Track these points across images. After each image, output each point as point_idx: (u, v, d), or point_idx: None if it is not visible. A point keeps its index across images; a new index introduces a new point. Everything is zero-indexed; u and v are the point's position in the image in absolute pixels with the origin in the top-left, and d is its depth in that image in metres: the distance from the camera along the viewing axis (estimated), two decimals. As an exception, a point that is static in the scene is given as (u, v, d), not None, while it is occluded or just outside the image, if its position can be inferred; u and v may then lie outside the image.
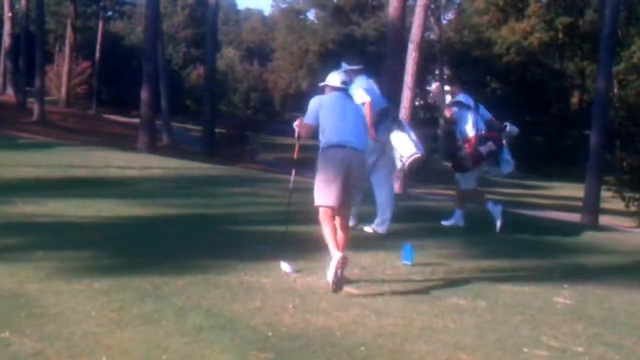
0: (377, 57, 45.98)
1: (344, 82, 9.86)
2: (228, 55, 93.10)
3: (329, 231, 8.94)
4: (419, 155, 12.25)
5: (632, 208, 30.16)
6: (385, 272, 9.74)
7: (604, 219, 27.54)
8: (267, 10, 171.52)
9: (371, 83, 12.73)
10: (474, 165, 14.12)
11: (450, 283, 9.88)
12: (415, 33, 21.94)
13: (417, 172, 13.05)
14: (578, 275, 11.31)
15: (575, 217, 25.53)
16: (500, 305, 9.02)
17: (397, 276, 9.64)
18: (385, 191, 12.62)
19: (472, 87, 72.12)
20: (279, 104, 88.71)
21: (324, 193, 9.09)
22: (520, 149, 60.79)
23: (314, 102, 9.66)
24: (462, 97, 14.50)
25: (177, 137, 50.22)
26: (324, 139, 9.35)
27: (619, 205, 30.95)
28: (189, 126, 64.27)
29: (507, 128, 14.19)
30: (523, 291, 9.91)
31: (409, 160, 12.18)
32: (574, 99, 75.94)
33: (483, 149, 13.88)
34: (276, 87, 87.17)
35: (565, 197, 36.29)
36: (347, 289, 8.48)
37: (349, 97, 10.04)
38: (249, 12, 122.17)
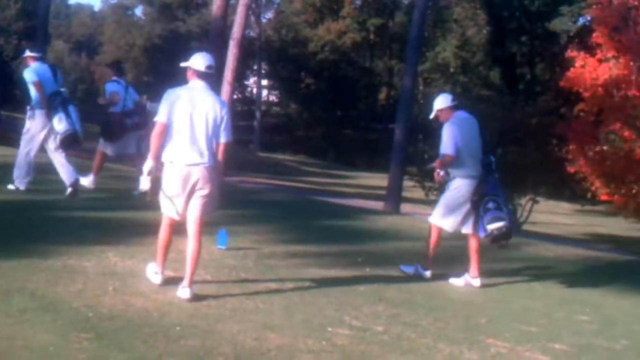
0: (200, 52, 45.76)
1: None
2: (58, 47, 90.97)
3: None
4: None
5: (432, 197, 30.86)
6: (200, 256, 9.80)
7: (405, 207, 28.11)
8: (97, 6, 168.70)
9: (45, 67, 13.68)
10: (119, 134, 14.64)
11: (262, 267, 9.99)
12: (236, 31, 21.89)
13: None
14: (380, 260, 11.60)
15: (379, 205, 26.00)
16: (307, 287, 9.18)
17: (211, 260, 9.69)
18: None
19: (288, 82, 72.80)
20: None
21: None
22: (331, 141, 61.40)
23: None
24: (115, 80, 15.14)
25: (7, 126, 48.73)
26: None
27: (420, 194, 31.61)
28: (17, 115, 62.51)
29: (148, 106, 14.70)
30: (329, 274, 10.10)
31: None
32: (382, 95, 77.21)
33: (128, 121, 14.58)
34: (102, 79, 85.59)
35: (370, 187, 36.91)
36: (164, 271, 8.48)
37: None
38: (79, 7, 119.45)
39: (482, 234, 10.51)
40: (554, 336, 8.33)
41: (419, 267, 10.69)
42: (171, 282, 8.34)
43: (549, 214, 38.22)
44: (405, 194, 29.50)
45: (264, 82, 75.06)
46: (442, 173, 10.60)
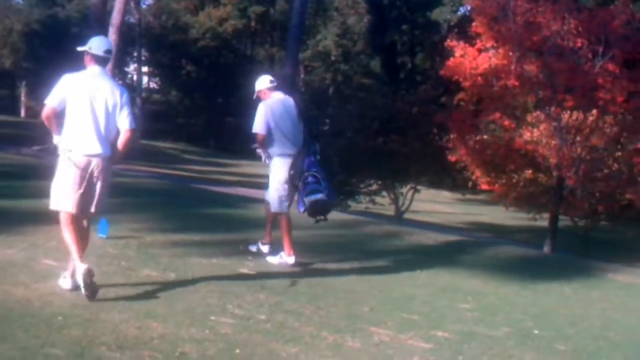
0: (80, 38, 45.00)
1: None
2: None
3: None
4: None
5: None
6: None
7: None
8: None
9: None
10: None
11: (143, 255, 9.92)
12: (115, 17, 21.70)
13: None
14: (262, 248, 11.60)
15: (260, 193, 25.98)
16: (189, 276, 9.15)
17: (92, 249, 9.55)
18: None
19: (169, 69, 72.14)
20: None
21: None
22: (213, 129, 61.07)
23: None
24: None
25: None
26: None
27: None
28: None
29: None
30: (211, 263, 10.09)
31: None
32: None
33: None
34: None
35: (252, 175, 36.89)
36: (45, 260, 8.34)
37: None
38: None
39: (301, 208, 10.86)
40: (436, 324, 8.46)
41: (282, 254, 10.78)
42: (52, 271, 8.21)
43: (431, 203, 38.83)
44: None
45: (145, 69, 74.23)
46: (264, 154, 10.86)
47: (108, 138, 7.87)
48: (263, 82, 11.12)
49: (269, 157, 10.81)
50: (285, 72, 31.70)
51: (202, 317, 7.52)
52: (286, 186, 10.73)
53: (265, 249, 11.06)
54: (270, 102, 10.86)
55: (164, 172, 34.74)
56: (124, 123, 7.91)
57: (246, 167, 45.94)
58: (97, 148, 7.75)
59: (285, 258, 10.69)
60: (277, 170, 10.74)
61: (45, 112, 7.83)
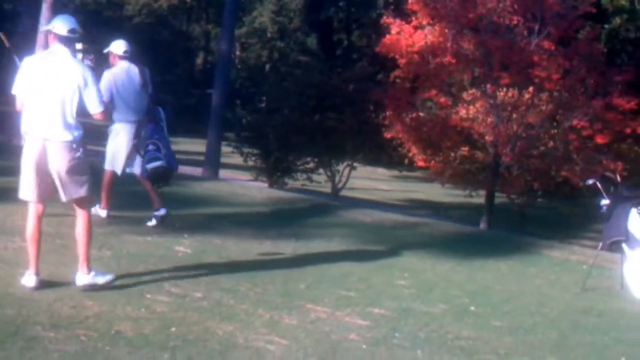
0: (13, 15, 44.26)
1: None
2: None
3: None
4: None
5: (250, 163, 31.02)
6: (15, 223, 9.56)
7: (224, 173, 28.17)
8: None
9: None
10: None
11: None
12: (49, -8, 21.31)
13: None
14: (198, 226, 11.58)
15: (198, 171, 25.91)
16: (124, 254, 9.11)
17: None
18: None
19: (104, 46, 71.29)
20: None
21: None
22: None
23: None
24: None
25: None
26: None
27: (238, 160, 31.71)
28: None
29: None
30: (146, 241, 10.05)
31: None
32: (199, 60, 76.79)
33: None
34: None
35: (189, 152, 36.70)
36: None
37: None
38: None
39: (144, 175, 11.16)
40: (373, 301, 8.50)
41: (97, 206, 11.03)
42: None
43: (367, 180, 38.97)
44: (224, 159, 29.53)
45: (79, 46, 73.20)
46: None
47: (67, 121, 7.43)
48: (118, 48, 11.51)
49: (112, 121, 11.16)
50: (221, 49, 31.53)
51: (137, 295, 7.50)
52: (124, 150, 11.20)
53: (104, 214, 11.31)
54: (114, 70, 11.26)
55: (99, 150, 34.39)
56: (91, 107, 7.57)
57: (183, 144, 45.56)
58: (51, 132, 7.39)
59: (99, 211, 11.12)
60: (118, 134, 11.21)
61: (17, 103, 7.59)
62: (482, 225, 25.87)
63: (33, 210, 7.58)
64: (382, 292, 9.08)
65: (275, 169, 30.46)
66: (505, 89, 24.47)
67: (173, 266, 8.82)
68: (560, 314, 9.20)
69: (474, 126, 25.52)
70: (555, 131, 25.70)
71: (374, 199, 33.55)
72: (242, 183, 22.42)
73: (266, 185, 28.09)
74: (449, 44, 26.29)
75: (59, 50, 7.64)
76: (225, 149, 30.10)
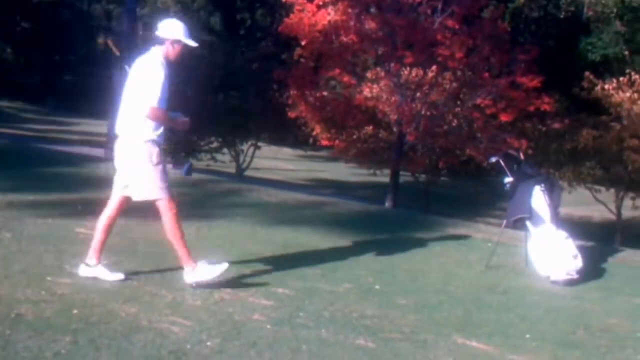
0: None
1: None
2: None
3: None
4: None
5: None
6: None
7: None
8: None
9: None
10: None
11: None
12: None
13: None
14: (100, 207, 11.40)
15: (100, 152, 25.57)
16: (25, 236, 8.97)
17: None
18: None
19: (3, 25, 70.00)
20: None
21: None
22: (50, 87, 59.46)
23: None
24: None
25: None
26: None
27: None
28: None
29: None
30: (47, 223, 9.91)
31: None
32: (100, 40, 75.90)
33: None
34: None
35: (93, 133, 36.29)
36: None
37: None
38: None
39: None
40: (278, 281, 8.45)
41: None
42: None
43: (273, 160, 39.00)
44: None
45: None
46: None
47: None
48: None
49: None
50: (122, 29, 31.18)
51: (38, 277, 7.38)
52: None
53: None
54: None
55: (2, 132, 33.80)
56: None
57: (87, 126, 45.18)
58: None
59: None
60: None
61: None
62: (388, 204, 26.01)
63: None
64: (287, 272, 9.04)
65: (179, 149, 30.22)
66: (409, 68, 24.57)
67: (74, 248, 8.67)
68: (465, 292, 9.26)
69: (378, 105, 25.62)
70: (459, 109, 25.93)
71: (279, 178, 33.59)
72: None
73: (170, 166, 27.86)
74: (352, 23, 26.29)
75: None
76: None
